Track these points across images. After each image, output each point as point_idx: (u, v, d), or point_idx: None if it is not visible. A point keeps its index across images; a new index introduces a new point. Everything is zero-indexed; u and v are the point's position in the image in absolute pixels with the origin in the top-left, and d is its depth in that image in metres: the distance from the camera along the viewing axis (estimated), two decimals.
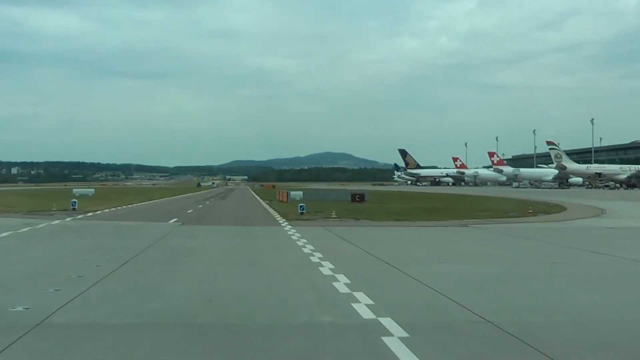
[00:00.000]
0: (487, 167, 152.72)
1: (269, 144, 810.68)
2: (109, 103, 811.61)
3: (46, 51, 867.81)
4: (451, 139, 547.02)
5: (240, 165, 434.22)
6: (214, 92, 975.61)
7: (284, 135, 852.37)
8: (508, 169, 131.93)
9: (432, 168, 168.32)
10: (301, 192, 44.61)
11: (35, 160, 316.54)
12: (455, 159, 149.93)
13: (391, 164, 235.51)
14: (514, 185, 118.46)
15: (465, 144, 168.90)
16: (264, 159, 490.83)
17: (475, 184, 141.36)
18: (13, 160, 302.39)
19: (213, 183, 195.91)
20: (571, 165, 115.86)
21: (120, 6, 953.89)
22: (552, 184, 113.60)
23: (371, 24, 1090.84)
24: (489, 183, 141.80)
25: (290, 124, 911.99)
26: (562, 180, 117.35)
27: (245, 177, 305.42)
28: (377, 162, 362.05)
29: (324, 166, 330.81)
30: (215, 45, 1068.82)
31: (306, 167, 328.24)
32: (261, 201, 44.11)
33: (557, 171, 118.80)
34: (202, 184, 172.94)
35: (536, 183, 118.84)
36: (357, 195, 39.35)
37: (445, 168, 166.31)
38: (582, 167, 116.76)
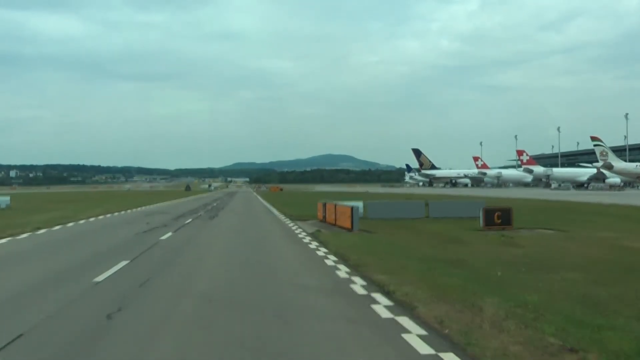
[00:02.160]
0: (502, 168, 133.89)
1: (271, 146, 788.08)
2: (110, 105, 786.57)
3: (47, 54, 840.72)
4: (453, 140, 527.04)
5: (242, 167, 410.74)
6: (216, 94, 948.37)
7: (286, 137, 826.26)
8: (539, 169, 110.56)
9: (436, 169, 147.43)
10: (360, 204, 22.29)
11: (34, 163, 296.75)
12: (476, 159, 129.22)
13: (393, 166, 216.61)
14: (552, 187, 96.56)
15: (481, 143, 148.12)
16: (266, 161, 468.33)
17: (498, 185, 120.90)
18: (13, 163, 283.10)
19: (210, 185, 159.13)
20: (618, 164, 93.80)
21: (122, 9, 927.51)
22: (603, 185, 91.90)
23: (373, 25, 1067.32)
24: (511, 184, 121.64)
25: (291, 125, 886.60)
26: (599, 180, 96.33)
27: (247, 179, 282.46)
28: (378, 164, 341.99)
29: (326, 168, 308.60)
30: (216, 47, 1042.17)
31: (309, 169, 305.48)
32: (293, 228, 19.53)
33: (593, 171, 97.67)
34: (200, 186, 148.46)
35: (565, 184, 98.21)
36: (498, 214, 17.10)
37: (450, 169, 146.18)
38: (631, 165, 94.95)
